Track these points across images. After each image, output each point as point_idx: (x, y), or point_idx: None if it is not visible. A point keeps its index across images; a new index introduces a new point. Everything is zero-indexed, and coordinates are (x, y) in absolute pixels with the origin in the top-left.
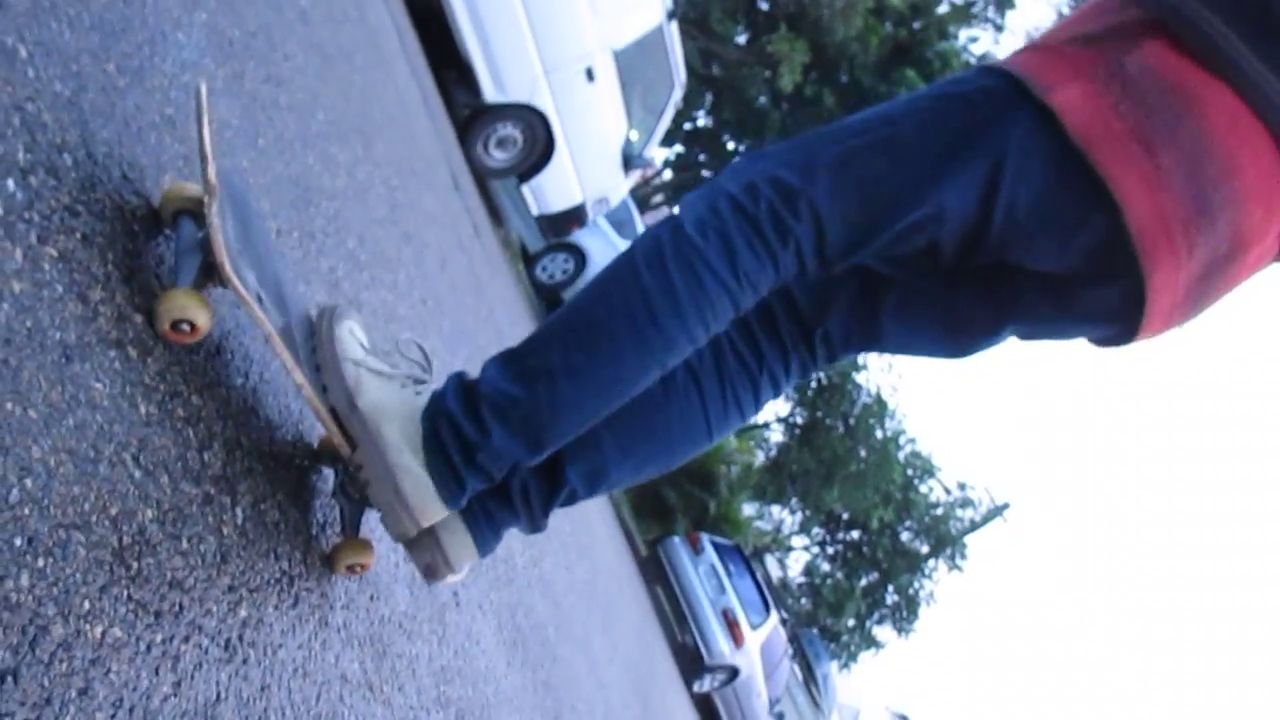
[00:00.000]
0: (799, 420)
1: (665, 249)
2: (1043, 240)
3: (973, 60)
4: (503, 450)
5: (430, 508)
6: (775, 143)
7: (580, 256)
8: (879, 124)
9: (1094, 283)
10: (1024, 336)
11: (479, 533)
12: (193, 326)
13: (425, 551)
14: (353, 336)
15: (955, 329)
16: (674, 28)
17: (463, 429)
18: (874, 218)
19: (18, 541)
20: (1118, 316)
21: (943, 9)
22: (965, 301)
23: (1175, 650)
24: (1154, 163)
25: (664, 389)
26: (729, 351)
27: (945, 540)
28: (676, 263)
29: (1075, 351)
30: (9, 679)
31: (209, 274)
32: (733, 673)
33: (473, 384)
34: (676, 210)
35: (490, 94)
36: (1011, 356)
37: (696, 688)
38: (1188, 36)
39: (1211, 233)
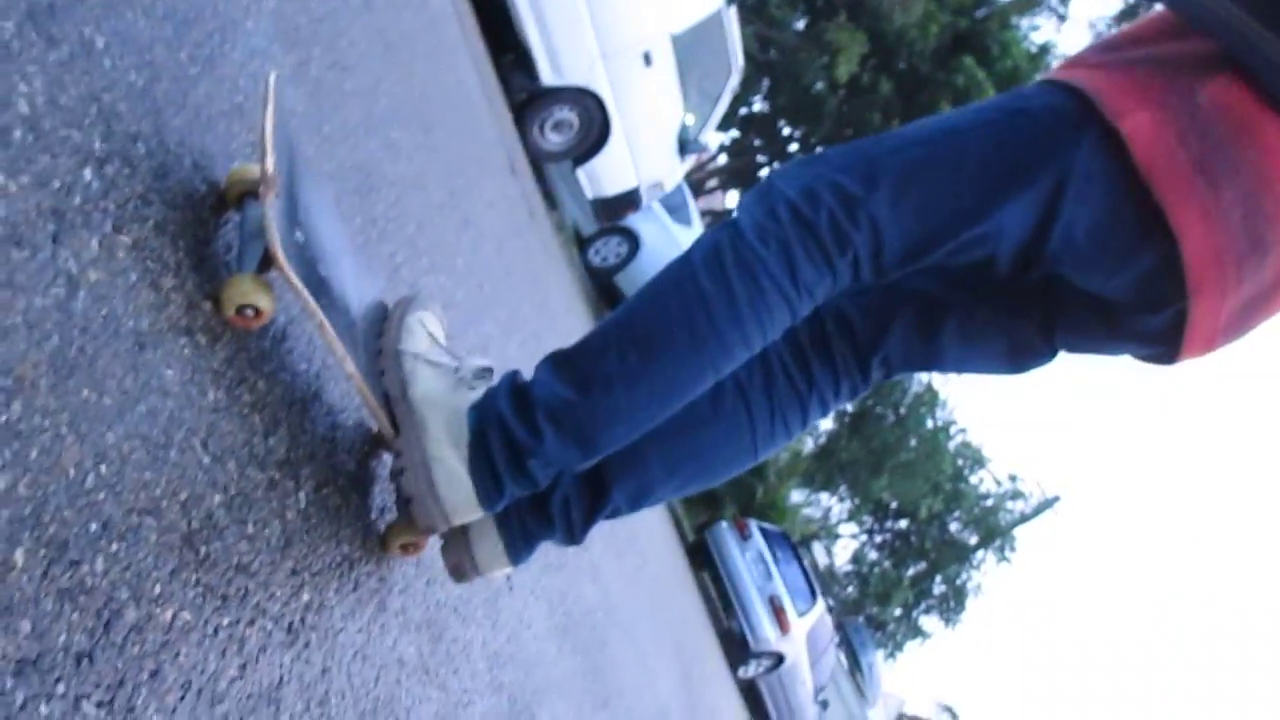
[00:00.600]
0: (849, 408)
1: (725, 255)
2: (1096, 262)
3: (1033, 49)
4: (554, 456)
5: (463, 507)
6: (833, 146)
7: (634, 241)
8: (942, 136)
9: (1140, 309)
10: (1070, 349)
11: (512, 542)
12: (257, 311)
13: (454, 553)
14: (422, 327)
15: (1014, 347)
16: (732, 13)
17: (515, 433)
18: (933, 231)
19: (93, 526)
20: (1160, 340)
21: None
22: (1022, 320)
23: (1222, 649)
24: (1215, 196)
25: (713, 407)
26: (779, 372)
27: (994, 532)
28: (737, 269)
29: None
30: (85, 661)
31: (272, 260)
32: (778, 659)
33: (526, 387)
34: (734, 213)
35: (547, 77)
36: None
37: (741, 673)
38: (1257, 72)
39: (1260, 269)
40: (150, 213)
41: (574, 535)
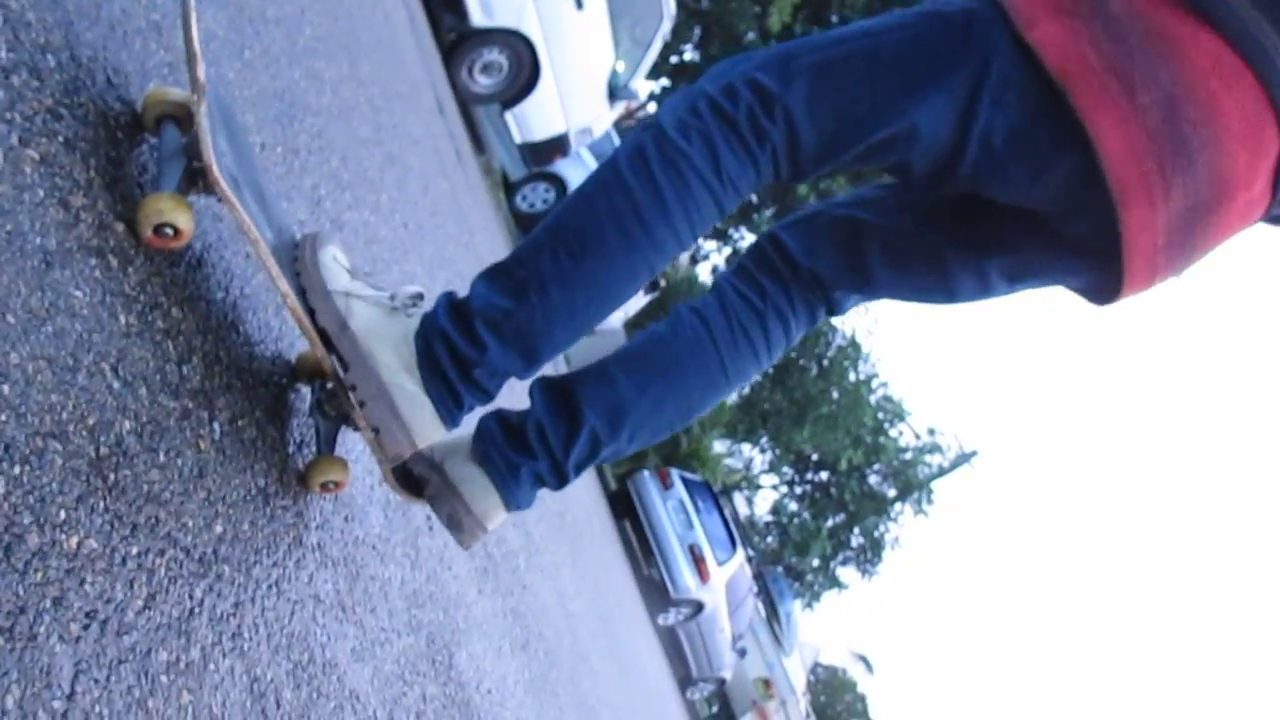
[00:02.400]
0: None
1: (649, 152)
2: (1015, 171)
3: None
4: (499, 364)
5: (428, 427)
6: (757, 48)
7: (561, 186)
8: (860, 36)
9: (1067, 219)
10: (1010, 279)
11: (501, 481)
12: (176, 231)
13: (445, 503)
14: (336, 263)
15: (943, 272)
16: None
17: (458, 346)
18: (847, 127)
19: None
20: (1097, 257)
21: None
22: (949, 243)
23: (1134, 605)
24: (1131, 100)
25: (670, 326)
26: (729, 290)
27: (912, 485)
28: (661, 164)
29: (1053, 306)
30: None
31: (193, 180)
32: (697, 607)
33: (463, 301)
34: (657, 114)
35: (477, 18)
36: (988, 308)
37: (661, 621)
38: None
39: (1190, 174)
40: (59, 128)
41: (559, 468)
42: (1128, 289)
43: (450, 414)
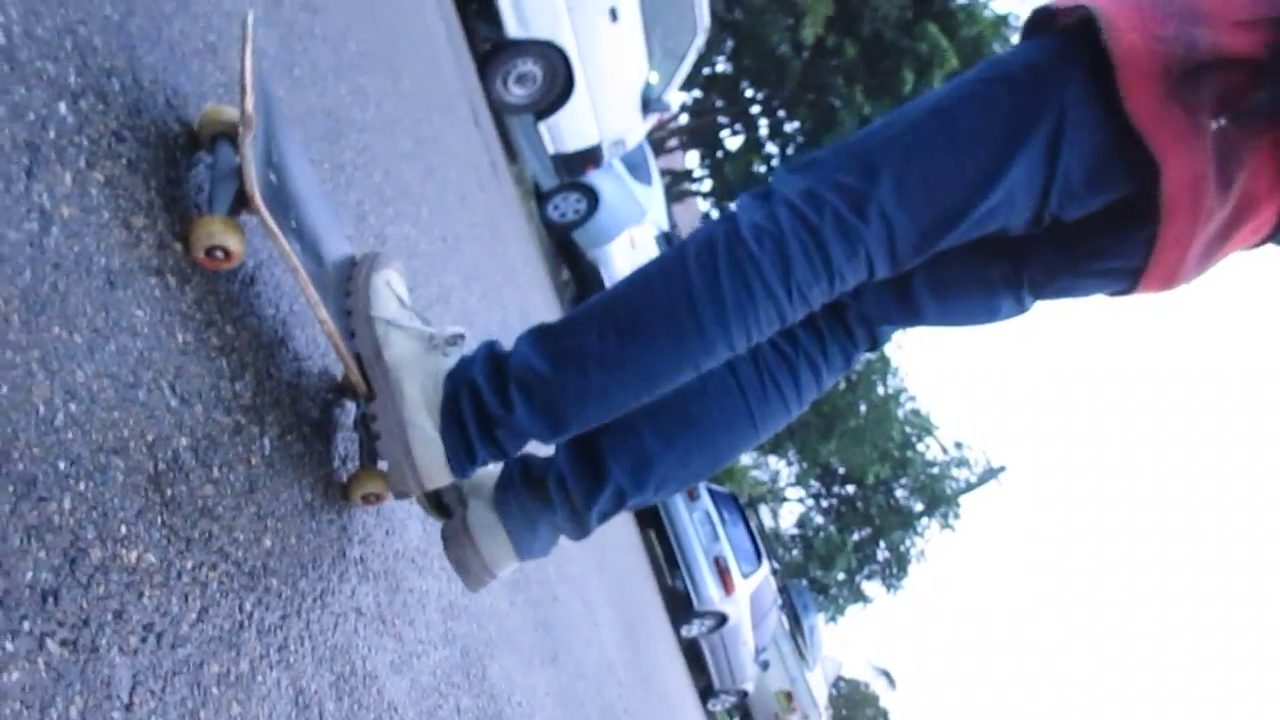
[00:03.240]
0: None
1: (719, 249)
2: (1091, 200)
3: (994, 16)
4: (523, 428)
5: (436, 472)
6: (824, 150)
7: (593, 197)
8: (930, 117)
9: (1113, 233)
10: (1041, 293)
11: (517, 532)
12: (226, 253)
13: (456, 546)
14: (389, 289)
15: (987, 292)
16: None
17: (485, 401)
18: (944, 210)
19: (61, 465)
20: (1127, 268)
21: None
22: (989, 267)
23: (1162, 623)
24: (1194, 125)
25: (699, 378)
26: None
27: (939, 499)
28: (728, 265)
29: (1083, 324)
30: (50, 599)
31: (244, 202)
32: (721, 619)
33: (503, 357)
34: (733, 209)
35: (512, 29)
36: (1018, 322)
37: (684, 632)
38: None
39: (1224, 204)
40: (123, 150)
41: (579, 519)
42: (1140, 288)
43: (461, 466)
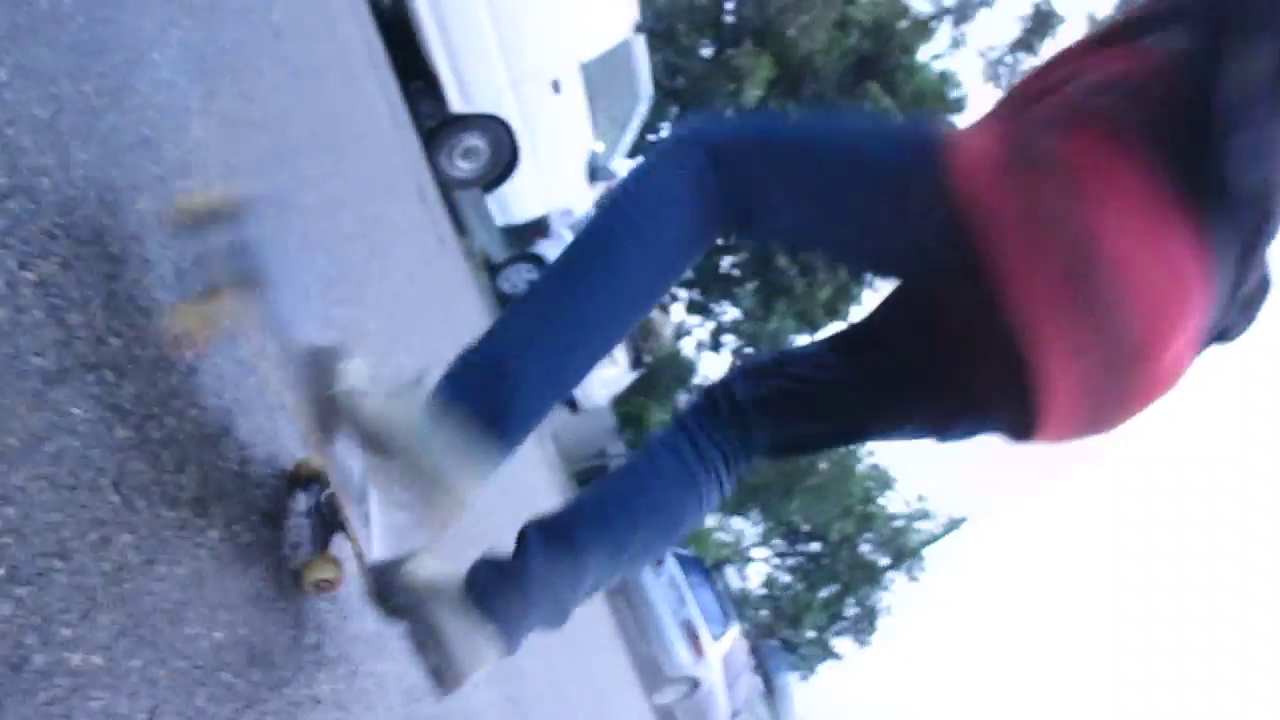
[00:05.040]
0: None
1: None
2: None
3: (935, 75)
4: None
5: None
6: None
7: (544, 267)
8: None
9: (976, 355)
10: (936, 431)
11: (502, 631)
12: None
13: (431, 654)
14: (352, 376)
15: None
16: (641, 41)
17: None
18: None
19: (1, 571)
20: (1013, 402)
21: (904, 25)
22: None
23: (1136, 661)
24: (1040, 246)
25: (649, 461)
26: (693, 426)
27: (904, 553)
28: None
29: None
30: None
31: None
32: (694, 684)
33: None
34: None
35: (456, 104)
36: None
37: (657, 699)
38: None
39: (1104, 329)
40: (56, 248)
41: (564, 611)
42: (1043, 431)
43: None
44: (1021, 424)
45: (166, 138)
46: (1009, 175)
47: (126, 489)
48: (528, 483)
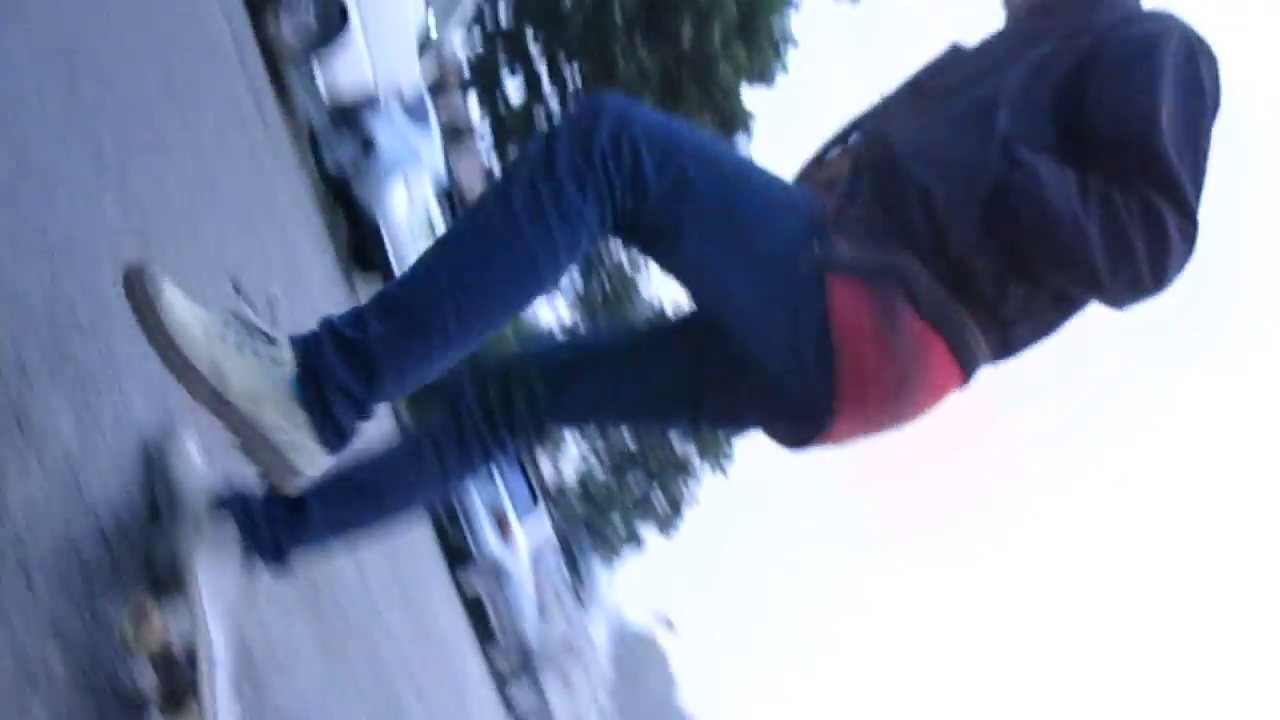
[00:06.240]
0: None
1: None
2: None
3: None
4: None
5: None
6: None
7: (370, 145)
8: (739, 166)
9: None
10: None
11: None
12: None
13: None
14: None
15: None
16: None
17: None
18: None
19: None
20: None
21: None
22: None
23: (908, 568)
24: (879, 375)
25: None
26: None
27: (713, 445)
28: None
29: None
30: None
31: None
32: (501, 570)
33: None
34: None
35: None
36: None
37: (464, 584)
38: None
39: (893, 416)
40: None
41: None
42: (821, 439)
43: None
44: (804, 432)
45: None
46: (877, 335)
47: None
48: None
